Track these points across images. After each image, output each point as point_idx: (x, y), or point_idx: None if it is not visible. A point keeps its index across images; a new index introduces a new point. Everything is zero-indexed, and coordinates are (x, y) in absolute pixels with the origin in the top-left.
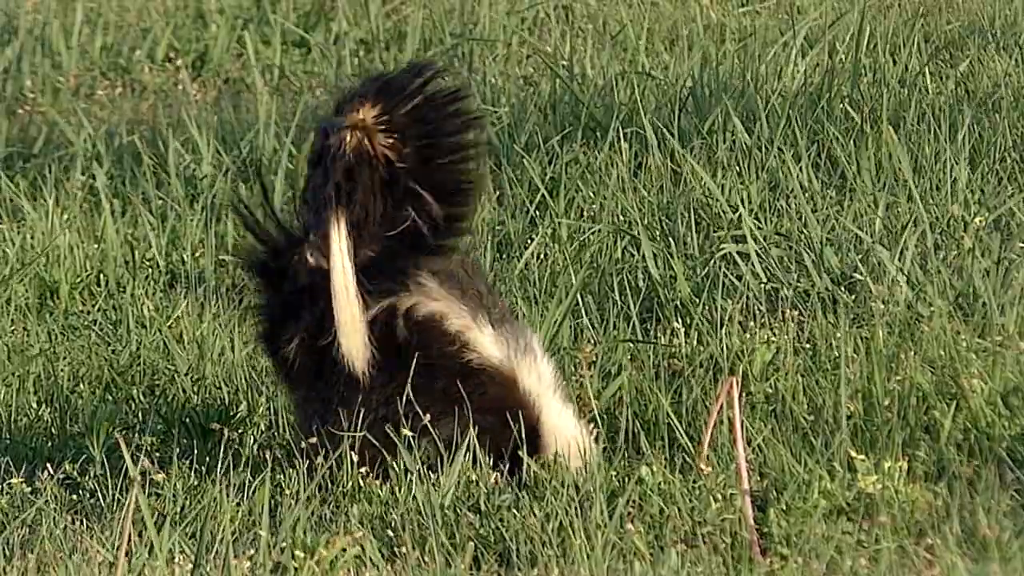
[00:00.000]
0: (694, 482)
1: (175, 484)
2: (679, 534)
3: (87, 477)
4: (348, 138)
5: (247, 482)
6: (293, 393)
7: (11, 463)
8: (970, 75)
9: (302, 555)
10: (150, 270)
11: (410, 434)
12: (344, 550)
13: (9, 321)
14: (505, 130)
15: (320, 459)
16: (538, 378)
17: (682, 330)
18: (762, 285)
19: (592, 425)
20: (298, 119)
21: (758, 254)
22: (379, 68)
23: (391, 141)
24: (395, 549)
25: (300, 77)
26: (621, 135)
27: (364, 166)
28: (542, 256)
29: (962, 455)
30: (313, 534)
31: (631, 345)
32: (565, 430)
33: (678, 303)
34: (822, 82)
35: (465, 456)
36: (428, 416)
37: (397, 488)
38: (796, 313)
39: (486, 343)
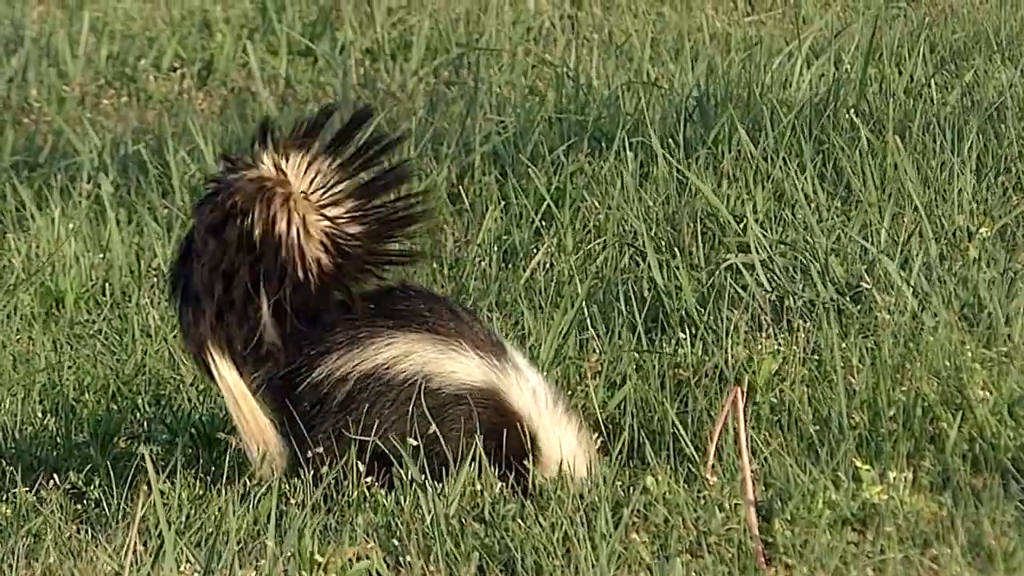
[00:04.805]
0: (699, 492)
1: (180, 494)
2: (684, 544)
3: (92, 486)
4: (265, 212)
5: (253, 491)
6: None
7: (16, 472)
8: (975, 85)
9: (319, 558)
10: (155, 279)
11: (415, 443)
12: (351, 561)
13: (15, 330)
14: (511, 140)
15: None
16: (532, 394)
17: (687, 340)
18: (767, 295)
19: (596, 435)
20: None
21: (764, 264)
22: (384, 79)
23: (333, 235)
24: (400, 559)
25: (306, 86)
26: (627, 145)
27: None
28: (548, 266)
29: (967, 465)
30: (319, 544)
31: (636, 355)
32: (565, 444)
33: (683, 313)
34: (828, 92)
35: (470, 467)
36: (417, 441)
37: (402, 498)
38: (802, 323)
39: (466, 369)
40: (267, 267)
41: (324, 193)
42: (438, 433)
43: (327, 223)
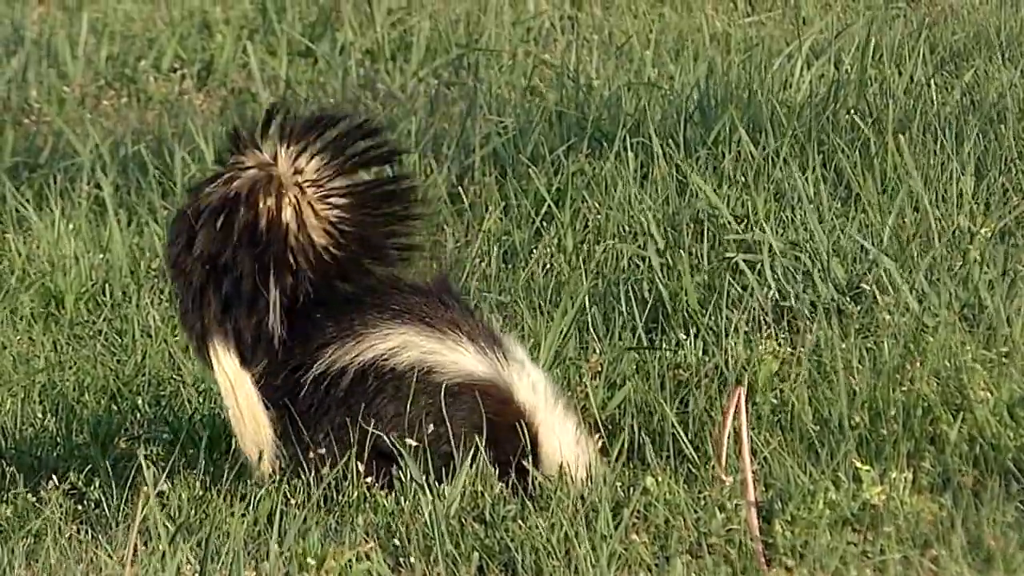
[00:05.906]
0: (699, 492)
1: (181, 494)
2: (684, 544)
3: (92, 487)
4: (264, 195)
5: (253, 492)
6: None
7: (17, 473)
8: (976, 86)
9: (313, 563)
10: (156, 279)
11: (414, 443)
12: (351, 561)
13: (15, 331)
14: (511, 141)
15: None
16: (532, 389)
17: (688, 340)
18: (768, 296)
19: (596, 435)
20: None
21: (764, 264)
22: (384, 80)
23: (333, 210)
24: (400, 559)
25: (305, 87)
26: (627, 145)
27: (283, 238)
28: (548, 266)
29: (967, 466)
30: (319, 544)
31: (637, 355)
32: (566, 441)
33: (684, 313)
34: (828, 93)
35: (471, 467)
36: (414, 438)
37: (403, 498)
38: (802, 323)
39: (465, 361)
40: (275, 255)
41: (320, 185)
42: (441, 428)
43: (323, 212)
